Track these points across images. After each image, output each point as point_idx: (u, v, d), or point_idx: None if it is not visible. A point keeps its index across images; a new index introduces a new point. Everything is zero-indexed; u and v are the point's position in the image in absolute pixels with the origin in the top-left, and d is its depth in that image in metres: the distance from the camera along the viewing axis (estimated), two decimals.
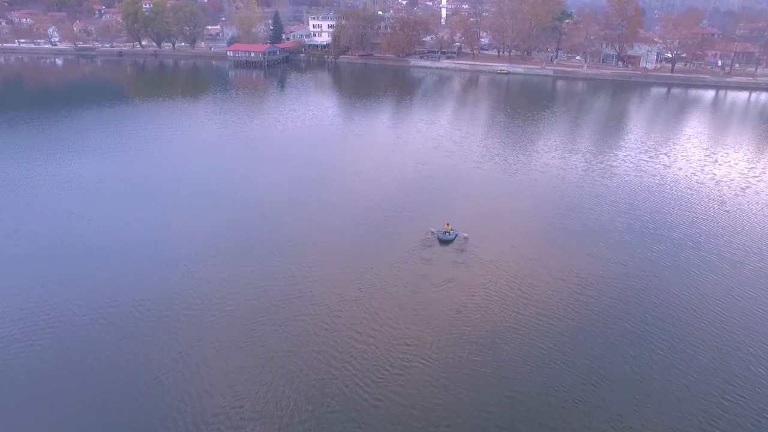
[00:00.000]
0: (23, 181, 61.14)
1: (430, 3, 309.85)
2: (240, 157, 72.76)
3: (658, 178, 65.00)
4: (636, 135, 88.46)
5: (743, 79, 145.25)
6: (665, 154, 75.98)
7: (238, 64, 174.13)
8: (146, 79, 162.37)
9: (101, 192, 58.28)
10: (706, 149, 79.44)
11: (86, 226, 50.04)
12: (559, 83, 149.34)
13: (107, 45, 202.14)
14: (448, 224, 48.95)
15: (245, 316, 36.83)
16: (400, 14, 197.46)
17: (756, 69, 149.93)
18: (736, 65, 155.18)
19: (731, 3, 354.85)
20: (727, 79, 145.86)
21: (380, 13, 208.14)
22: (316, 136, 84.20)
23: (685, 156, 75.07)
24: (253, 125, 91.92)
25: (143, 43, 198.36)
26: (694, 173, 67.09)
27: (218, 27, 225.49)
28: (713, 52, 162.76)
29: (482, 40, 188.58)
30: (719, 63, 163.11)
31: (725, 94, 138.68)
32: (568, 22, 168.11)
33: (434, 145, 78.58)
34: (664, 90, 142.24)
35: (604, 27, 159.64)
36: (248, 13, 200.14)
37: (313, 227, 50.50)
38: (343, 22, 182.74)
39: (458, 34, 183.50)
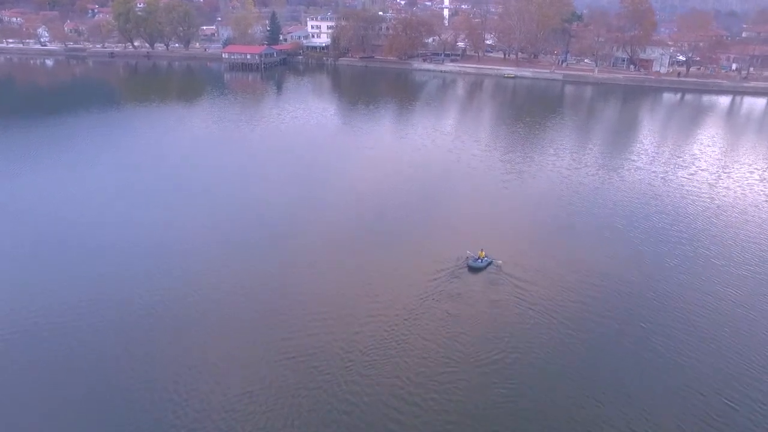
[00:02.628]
0: (14, 187, 59.80)
1: (429, 3, 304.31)
2: (242, 167, 67.65)
3: (706, 200, 58.67)
4: (668, 148, 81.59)
5: (761, 84, 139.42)
6: (705, 170, 69.57)
7: (234, 67, 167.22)
8: (139, 81, 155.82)
9: (96, 195, 57.03)
10: (749, 165, 73.08)
11: (81, 227, 49.37)
12: (570, 88, 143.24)
13: (98, 46, 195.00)
14: (482, 251, 43.97)
15: (240, 367, 30.94)
16: (402, 15, 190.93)
17: None
18: (751, 69, 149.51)
19: (731, 3, 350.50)
20: (745, 84, 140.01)
21: (381, 13, 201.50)
22: (323, 146, 78.08)
23: (726, 172, 68.77)
24: (253, 134, 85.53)
25: (135, 43, 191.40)
26: (744, 194, 60.81)
27: (213, 27, 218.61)
28: (727, 55, 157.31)
29: (487, 41, 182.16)
30: (733, 67, 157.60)
31: (742, 99, 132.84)
32: (577, 24, 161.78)
33: (454, 158, 72.36)
34: (679, 95, 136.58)
35: (616, 29, 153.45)
36: (244, 13, 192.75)
37: (322, 249, 45.93)
38: (343, 23, 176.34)
39: (462, 36, 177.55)
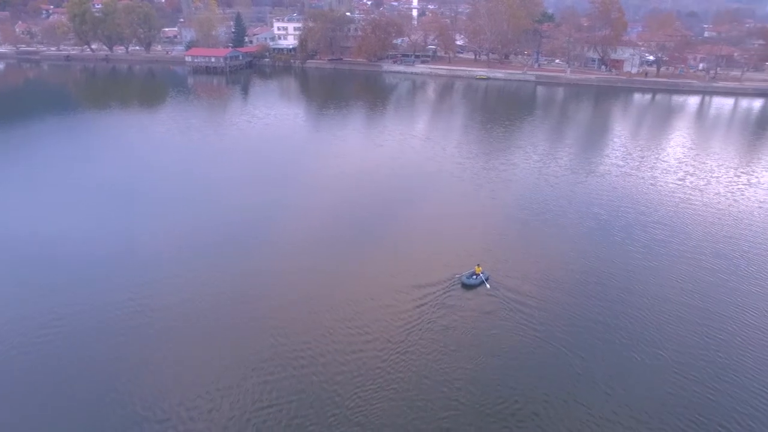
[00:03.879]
0: None
1: (396, 3, 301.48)
2: (209, 178, 63.39)
3: (699, 207, 56.41)
4: (652, 151, 78.94)
5: (730, 84, 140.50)
6: (692, 174, 67.41)
7: (198, 70, 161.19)
8: (97, 86, 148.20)
9: (55, 205, 54.32)
10: (735, 168, 71.13)
11: (39, 238, 46.84)
12: (544, 89, 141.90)
13: (53, 48, 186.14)
14: (478, 266, 41.14)
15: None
16: (371, 16, 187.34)
17: (742, 74, 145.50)
18: (718, 69, 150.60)
19: (689, 4, 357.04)
20: (714, 84, 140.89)
21: (348, 14, 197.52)
22: (297, 157, 73.35)
23: (714, 177, 66.83)
24: (223, 143, 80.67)
25: (93, 46, 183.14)
26: (735, 200, 58.75)
27: (176, 29, 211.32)
28: (693, 55, 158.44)
29: (457, 42, 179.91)
30: (700, 66, 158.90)
31: (711, 100, 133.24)
32: (548, 25, 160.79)
33: (436, 167, 68.76)
34: (651, 95, 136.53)
35: (587, 29, 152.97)
36: (208, 14, 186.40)
37: (297, 270, 42.53)
38: (310, 24, 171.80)
39: (432, 37, 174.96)
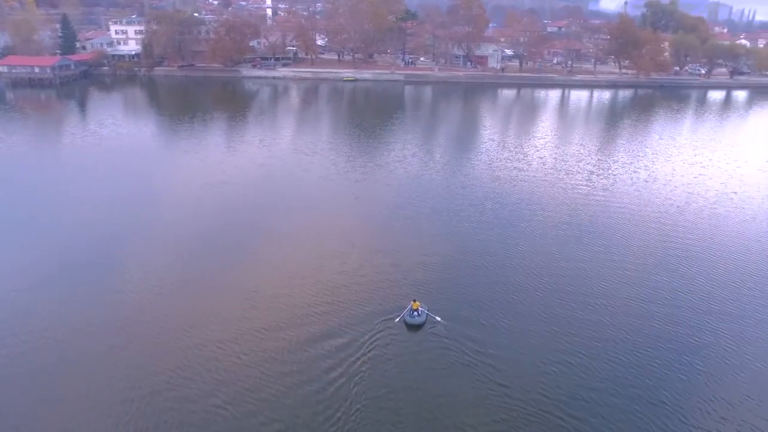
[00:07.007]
0: None
1: (244, 2, 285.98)
2: (57, 207, 48.93)
3: (616, 209, 55.35)
4: (548, 151, 78.28)
5: (586, 77, 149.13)
6: (593, 173, 66.71)
7: (19, 83, 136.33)
8: None
9: None
10: (628, 164, 72.41)
11: None
12: (412, 89, 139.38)
13: None
14: (414, 301, 35.55)
15: None
16: (224, 17, 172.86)
17: (594, 67, 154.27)
18: (572, 63, 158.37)
19: (524, 2, 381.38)
20: (573, 78, 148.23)
21: (196, 15, 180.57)
22: (174, 183, 61.13)
23: (613, 174, 67.56)
24: (65, 172, 65.29)
25: None
26: (646, 199, 58.14)
27: None
28: (549, 50, 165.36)
29: (318, 42, 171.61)
30: (555, 61, 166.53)
31: (569, 93, 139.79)
32: (412, 23, 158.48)
33: (333, 190, 60.19)
34: (516, 90, 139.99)
35: (450, 26, 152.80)
36: (26, 16, 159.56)
37: (186, 316, 34.32)
38: (154, 27, 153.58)
39: (290, 37, 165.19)
